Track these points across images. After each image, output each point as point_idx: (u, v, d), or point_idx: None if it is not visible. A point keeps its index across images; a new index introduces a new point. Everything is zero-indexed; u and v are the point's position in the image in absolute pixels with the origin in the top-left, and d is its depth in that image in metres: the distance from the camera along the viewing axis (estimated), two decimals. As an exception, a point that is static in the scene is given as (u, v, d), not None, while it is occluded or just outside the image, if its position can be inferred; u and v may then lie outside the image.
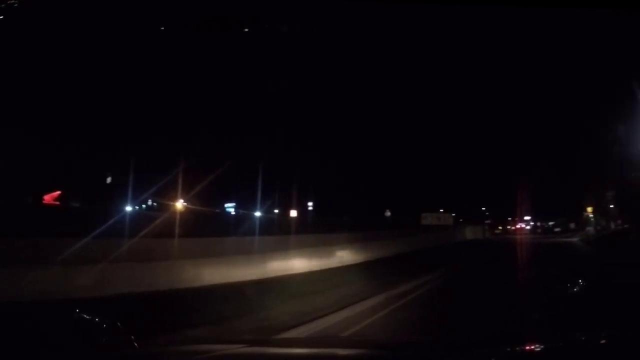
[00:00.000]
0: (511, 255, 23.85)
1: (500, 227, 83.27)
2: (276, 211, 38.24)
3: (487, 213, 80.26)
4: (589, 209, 53.22)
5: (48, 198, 24.75)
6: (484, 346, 2.36)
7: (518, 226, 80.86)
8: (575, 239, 43.27)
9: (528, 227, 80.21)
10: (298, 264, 15.60)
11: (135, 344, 2.32)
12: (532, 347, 2.28)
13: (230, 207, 45.16)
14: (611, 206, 45.78)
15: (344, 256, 18.52)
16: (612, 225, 49.63)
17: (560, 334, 2.85)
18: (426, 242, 26.30)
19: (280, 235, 18.47)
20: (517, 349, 2.24)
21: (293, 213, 40.97)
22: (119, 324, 2.38)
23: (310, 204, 44.85)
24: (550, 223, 77.34)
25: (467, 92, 49.16)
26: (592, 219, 53.19)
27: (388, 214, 43.17)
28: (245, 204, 37.04)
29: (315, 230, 20.82)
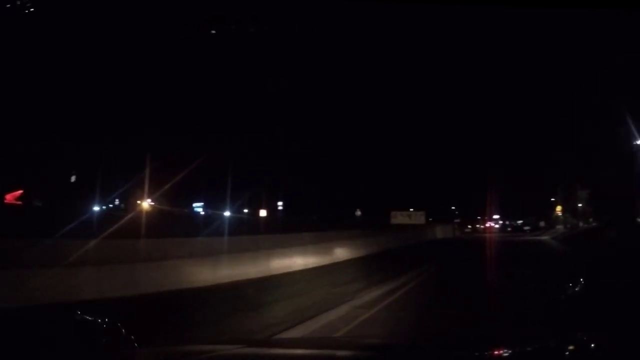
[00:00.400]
0: (488, 254, 22.88)
1: (469, 226, 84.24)
2: (246, 211, 38.91)
3: (456, 212, 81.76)
4: (558, 208, 53.25)
5: (10, 197, 24.26)
6: (477, 346, 2.35)
7: (487, 225, 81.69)
8: (546, 237, 42.83)
9: (497, 226, 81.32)
10: (255, 268, 13.93)
11: (136, 344, 2.31)
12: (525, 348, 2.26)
13: (198, 207, 45.84)
14: (579, 205, 45.67)
15: (308, 258, 16.89)
16: (581, 224, 49.70)
17: (560, 334, 2.66)
18: (397, 241, 24.95)
19: (246, 235, 17.08)
20: (510, 349, 2.24)
21: (263, 213, 41.87)
22: (119, 324, 2.32)
23: (280, 203, 45.62)
24: (519, 222, 77.85)
25: (439, 92, 50.63)
26: (562, 218, 53.26)
27: (359, 213, 43.21)
28: (214, 204, 36.77)
29: (284, 230, 19.97)
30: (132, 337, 2.33)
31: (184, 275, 10.90)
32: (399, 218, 20.32)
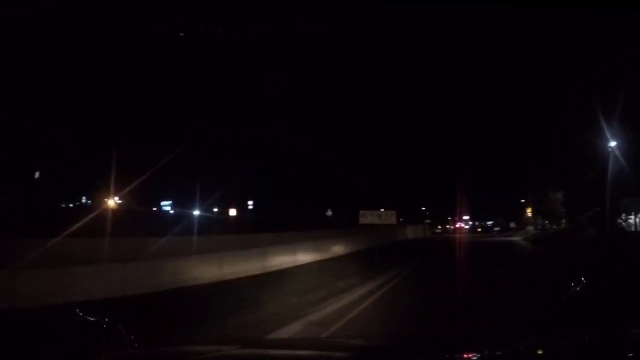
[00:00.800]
0: (462, 257, 21.75)
1: (440, 227, 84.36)
2: (215, 210, 38.02)
3: (427, 213, 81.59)
4: (529, 210, 53.03)
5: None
6: (474, 346, 2.37)
7: (457, 225, 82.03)
8: (517, 238, 42.26)
9: (467, 227, 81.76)
10: (217, 271, 12.44)
11: (136, 345, 2.31)
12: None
13: (167, 206, 45.20)
14: (555, 206, 45.44)
15: (274, 260, 15.39)
16: (549, 225, 49.58)
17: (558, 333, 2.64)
18: (366, 242, 23.56)
19: (211, 235, 16.05)
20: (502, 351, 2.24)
21: (232, 212, 41.63)
22: (119, 325, 2.32)
23: (250, 203, 45.81)
24: (489, 222, 77.87)
25: (410, 93, 50.06)
26: (532, 219, 53.10)
27: (329, 213, 43.83)
28: (183, 203, 35.85)
29: (253, 230, 19.27)
30: (132, 337, 2.31)
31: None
32: (368, 218, 18.86)
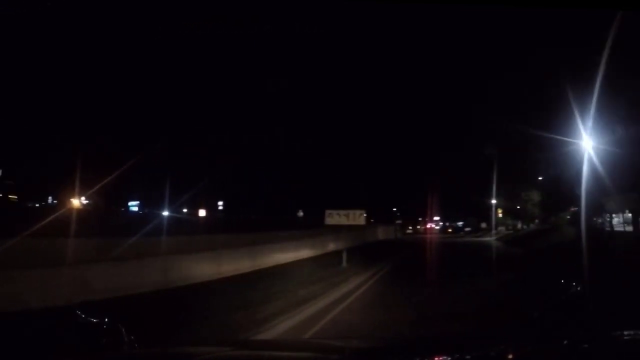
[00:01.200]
0: (438, 257, 20.62)
1: (410, 227, 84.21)
2: (185, 210, 37.66)
3: (398, 213, 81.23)
4: (500, 210, 52.60)
5: None
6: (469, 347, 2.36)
7: (428, 226, 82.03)
8: (491, 239, 41.53)
9: (437, 227, 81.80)
10: (161, 277, 10.80)
11: (136, 345, 2.31)
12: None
13: (134, 206, 45.72)
14: (519, 207, 45.01)
15: (229, 264, 13.76)
16: (519, 226, 49.25)
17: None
18: (335, 243, 22.11)
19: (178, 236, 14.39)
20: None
21: (202, 213, 41.06)
22: (120, 325, 2.31)
23: (220, 203, 45.87)
24: (460, 223, 77.71)
25: (378, 93, 50.07)
26: (502, 220, 52.70)
27: (301, 214, 42.29)
28: (153, 203, 35.54)
29: (223, 231, 18.07)
30: (132, 337, 2.30)
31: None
32: (334, 218, 17.40)
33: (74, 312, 2.65)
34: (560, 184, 26.67)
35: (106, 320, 2.38)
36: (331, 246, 20.94)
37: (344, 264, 16.26)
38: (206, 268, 12.80)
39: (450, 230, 77.57)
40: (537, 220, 43.60)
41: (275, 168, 40.61)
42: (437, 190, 63.64)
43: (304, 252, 18.80)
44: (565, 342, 2.28)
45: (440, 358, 2.32)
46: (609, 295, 5.85)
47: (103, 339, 2.30)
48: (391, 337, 5.13)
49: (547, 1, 3.38)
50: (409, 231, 78.97)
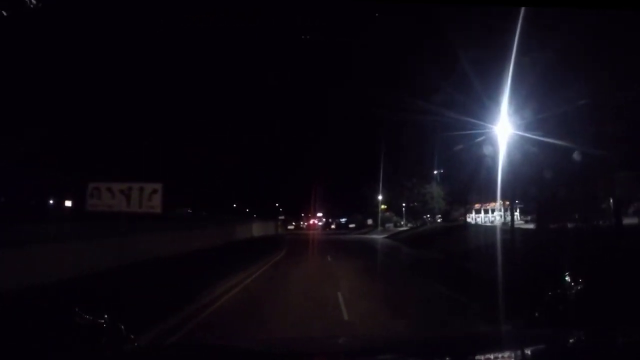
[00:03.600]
0: (314, 265, 16.49)
1: (294, 223, 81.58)
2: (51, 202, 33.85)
3: (280, 209, 77.71)
4: (383, 207, 50.05)
5: None
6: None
7: (311, 222, 79.60)
8: (379, 236, 37.81)
9: (320, 224, 79.59)
10: None
11: (136, 344, 2.33)
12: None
13: None
14: (415, 203, 42.59)
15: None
16: (403, 225, 47.08)
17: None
18: (182, 242, 15.70)
19: None
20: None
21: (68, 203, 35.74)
22: (119, 324, 2.31)
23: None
24: (343, 220, 75.41)
25: (264, 90, 46.77)
26: (390, 217, 50.23)
27: (189, 210, 39.88)
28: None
29: None
30: (132, 336, 2.30)
31: None
32: (104, 199, 10.24)
33: (74, 311, 2.45)
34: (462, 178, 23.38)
35: (106, 317, 2.30)
36: (179, 247, 14.53)
37: (193, 269, 10.03)
38: None
39: (333, 226, 75.26)
40: (439, 217, 41.00)
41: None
42: (321, 186, 61.82)
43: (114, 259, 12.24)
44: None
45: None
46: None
47: (103, 338, 2.24)
48: (389, 337, 4.55)
49: (547, 1, 3.57)
50: (291, 227, 76.24)
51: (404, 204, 45.09)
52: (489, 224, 33.90)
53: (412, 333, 5.42)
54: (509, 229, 16.26)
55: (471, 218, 41.86)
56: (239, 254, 16.28)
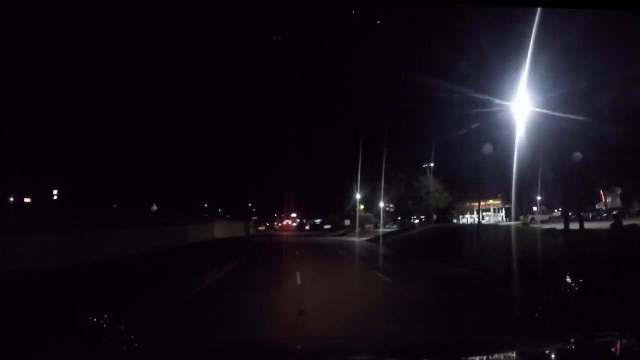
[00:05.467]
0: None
1: (267, 224, 78.96)
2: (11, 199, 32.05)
3: (253, 209, 74.90)
4: (361, 207, 47.06)
5: None
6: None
7: (284, 223, 76.82)
8: (357, 239, 34.51)
9: (294, 224, 76.90)
10: None
11: (136, 344, 2.30)
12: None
13: None
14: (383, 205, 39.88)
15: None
16: (388, 226, 44.17)
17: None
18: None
19: None
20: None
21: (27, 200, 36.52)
22: (119, 324, 2.27)
23: (55, 192, 40.42)
24: (317, 220, 72.27)
25: (238, 90, 48.62)
26: (369, 218, 47.25)
27: (154, 208, 39.78)
28: None
29: None
30: (132, 336, 2.28)
31: None
32: None
33: (74, 311, 2.39)
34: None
35: (105, 317, 2.25)
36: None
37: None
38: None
39: (307, 227, 72.23)
40: (414, 219, 37.86)
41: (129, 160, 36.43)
42: (296, 186, 59.88)
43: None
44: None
45: None
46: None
47: (103, 338, 2.20)
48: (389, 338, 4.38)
49: (547, 1, 3.58)
50: (262, 228, 73.36)
51: (390, 205, 42.15)
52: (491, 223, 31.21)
53: (415, 336, 4.73)
54: (535, 230, 13.07)
55: (465, 219, 39.16)
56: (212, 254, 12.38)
